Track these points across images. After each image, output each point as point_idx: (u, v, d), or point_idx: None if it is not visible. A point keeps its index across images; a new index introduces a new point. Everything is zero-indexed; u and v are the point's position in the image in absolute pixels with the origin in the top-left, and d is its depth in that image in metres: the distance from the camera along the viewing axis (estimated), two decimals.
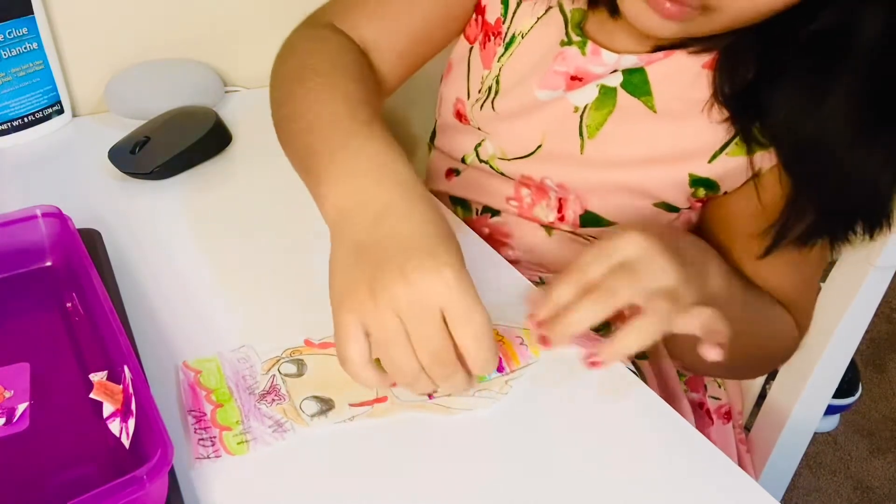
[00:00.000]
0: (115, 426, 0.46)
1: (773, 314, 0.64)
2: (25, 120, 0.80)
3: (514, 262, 0.70)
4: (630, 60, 0.60)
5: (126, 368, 0.45)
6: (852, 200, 0.55)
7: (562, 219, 0.68)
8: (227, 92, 0.91)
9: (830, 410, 1.42)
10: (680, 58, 0.59)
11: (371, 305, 0.42)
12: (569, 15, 0.63)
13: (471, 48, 0.70)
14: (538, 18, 0.64)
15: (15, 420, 0.47)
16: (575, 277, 0.48)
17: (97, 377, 0.48)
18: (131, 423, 0.45)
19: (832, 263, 0.69)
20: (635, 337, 0.47)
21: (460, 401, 0.50)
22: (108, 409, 0.46)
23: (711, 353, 0.47)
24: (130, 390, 0.45)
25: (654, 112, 0.61)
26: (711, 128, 0.59)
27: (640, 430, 0.50)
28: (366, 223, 0.45)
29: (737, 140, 0.59)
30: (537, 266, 0.71)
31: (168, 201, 0.70)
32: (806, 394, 0.72)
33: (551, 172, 0.66)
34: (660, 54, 0.60)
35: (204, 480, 0.45)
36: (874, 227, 0.56)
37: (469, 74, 0.70)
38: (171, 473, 0.43)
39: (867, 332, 0.71)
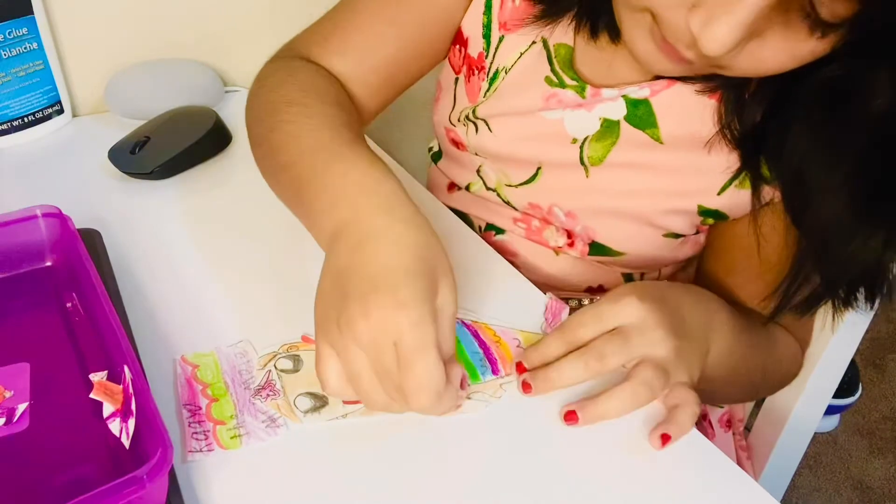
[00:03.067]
0: (115, 426, 0.46)
1: (778, 346, 0.64)
2: (25, 120, 0.80)
3: None
4: (630, 91, 0.59)
5: (126, 368, 0.45)
6: (855, 271, 0.53)
7: (571, 245, 0.67)
8: (227, 92, 0.91)
9: (830, 410, 1.42)
10: (685, 88, 0.57)
11: (339, 338, 0.42)
12: (552, 50, 0.61)
13: (456, 78, 0.69)
14: (521, 53, 0.63)
15: (15, 420, 0.47)
16: (567, 335, 0.51)
17: (97, 377, 0.48)
18: (131, 423, 0.45)
19: None
20: (617, 403, 0.48)
21: None
22: (108, 409, 0.46)
23: (655, 442, 0.48)
24: (130, 390, 0.45)
25: (661, 143, 0.59)
26: (719, 160, 0.58)
27: (638, 431, 0.50)
28: (348, 249, 0.44)
29: (745, 173, 0.58)
30: (543, 285, 0.70)
31: (168, 201, 0.70)
32: (806, 394, 0.72)
33: (559, 199, 0.65)
34: (663, 82, 0.58)
35: (204, 480, 0.45)
36: (875, 297, 0.55)
37: (455, 105, 0.69)
38: (171, 473, 0.43)
39: (867, 332, 0.71)
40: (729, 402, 0.76)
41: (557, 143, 0.62)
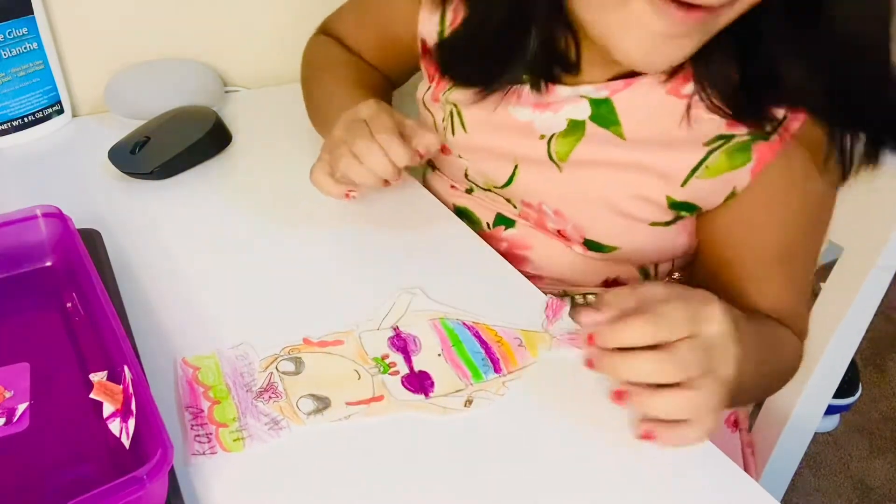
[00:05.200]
0: (115, 426, 0.46)
1: (784, 344, 0.64)
2: (25, 120, 0.80)
3: (535, 278, 0.69)
4: (587, 91, 0.61)
5: (126, 368, 0.45)
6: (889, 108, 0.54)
7: (569, 244, 0.67)
8: (227, 92, 0.91)
9: (830, 410, 1.42)
10: (643, 86, 0.59)
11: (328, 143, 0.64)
12: None
13: (429, 87, 0.71)
14: None
15: (15, 420, 0.47)
16: (651, 318, 0.45)
17: (97, 377, 0.48)
18: (131, 423, 0.45)
19: (833, 263, 0.69)
20: (666, 407, 0.45)
21: (456, 401, 0.50)
22: (108, 409, 0.46)
23: (638, 431, 0.46)
24: (130, 390, 0.45)
25: (624, 139, 0.61)
26: (680, 153, 0.59)
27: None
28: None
29: (706, 163, 0.59)
30: (559, 282, 0.70)
31: (168, 201, 0.70)
32: (806, 394, 0.72)
33: (544, 198, 0.66)
34: (619, 82, 0.60)
35: (204, 480, 0.45)
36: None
37: (432, 115, 0.71)
38: (171, 473, 0.43)
39: (867, 332, 0.71)
40: (741, 405, 0.76)
41: (527, 138, 0.64)
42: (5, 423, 0.46)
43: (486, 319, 0.57)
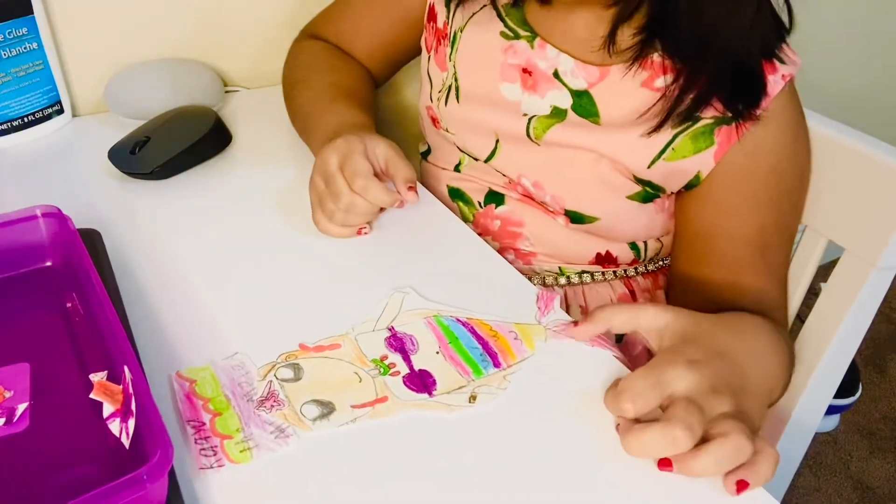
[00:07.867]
0: (115, 426, 0.46)
1: (783, 340, 0.64)
2: (25, 120, 0.80)
3: (530, 255, 0.73)
4: (567, 63, 0.65)
5: (126, 368, 0.45)
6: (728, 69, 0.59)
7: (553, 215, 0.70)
8: (227, 92, 0.91)
9: (830, 410, 1.42)
10: (616, 79, 0.63)
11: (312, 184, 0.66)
12: (502, 10, 0.69)
13: (429, 57, 0.75)
14: (473, 14, 0.70)
15: (15, 420, 0.47)
16: (638, 404, 0.47)
17: (97, 377, 0.48)
18: (131, 423, 0.44)
19: (833, 263, 0.69)
20: (714, 461, 0.45)
21: (460, 398, 0.50)
22: (108, 409, 0.46)
23: (730, 488, 0.45)
24: (130, 390, 0.45)
25: (599, 125, 0.65)
26: (648, 137, 0.63)
27: None
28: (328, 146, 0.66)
29: (672, 145, 0.63)
30: (554, 258, 0.73)
31: (168, 201, 0.70)
32: (807, 394, 0.72)
33: (524, 170, 0.69)
34: (595, 72, 0.64)
35: (204, 480, 0.45)
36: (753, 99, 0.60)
37: (431, 81, 0.75)
38: (171, 474, 0.43)
39: (867, 332, 0.71)
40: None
41: (511, 116, 0.68)
42: (5, 423, 0.46)
43: (479, 315, 0.58)
